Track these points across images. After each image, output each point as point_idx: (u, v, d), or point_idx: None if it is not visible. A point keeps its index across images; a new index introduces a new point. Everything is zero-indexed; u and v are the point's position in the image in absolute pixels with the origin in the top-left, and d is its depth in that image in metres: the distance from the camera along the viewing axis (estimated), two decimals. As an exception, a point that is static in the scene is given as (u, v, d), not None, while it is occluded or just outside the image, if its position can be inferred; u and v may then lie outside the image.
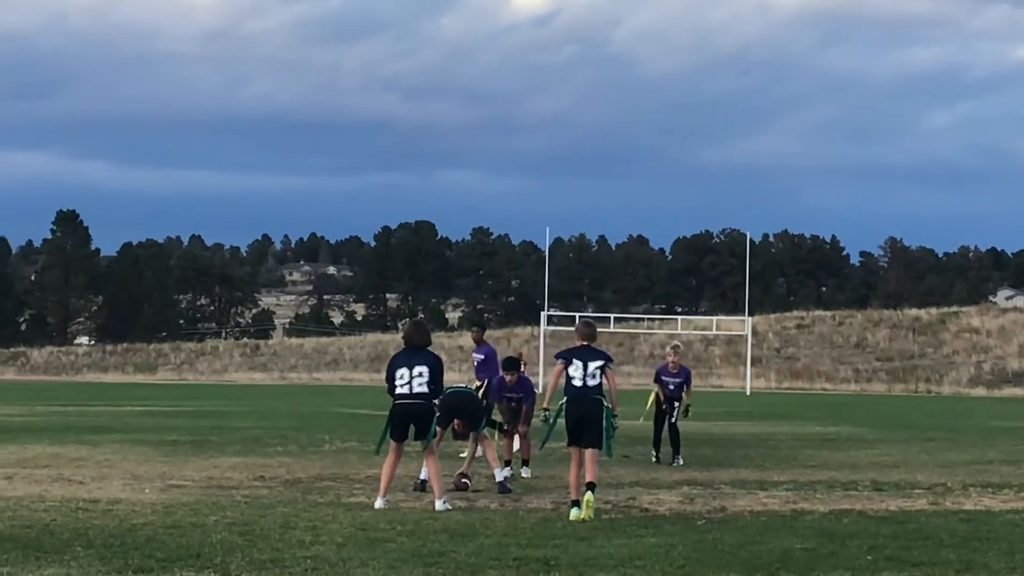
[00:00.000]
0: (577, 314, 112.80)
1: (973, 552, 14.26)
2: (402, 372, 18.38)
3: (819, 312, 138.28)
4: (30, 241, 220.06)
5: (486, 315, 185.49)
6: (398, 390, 18.39)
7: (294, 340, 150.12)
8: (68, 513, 16.71)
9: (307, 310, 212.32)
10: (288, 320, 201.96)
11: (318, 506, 17.98)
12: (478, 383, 26.13)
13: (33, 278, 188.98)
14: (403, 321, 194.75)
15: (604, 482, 21.62)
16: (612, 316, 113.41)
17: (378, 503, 18.12)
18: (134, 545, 14.11)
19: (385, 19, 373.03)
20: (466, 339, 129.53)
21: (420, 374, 18.34)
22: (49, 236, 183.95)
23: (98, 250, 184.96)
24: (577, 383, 17.81)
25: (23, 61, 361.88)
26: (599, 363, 17.92)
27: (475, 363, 27.36)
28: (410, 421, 18.39)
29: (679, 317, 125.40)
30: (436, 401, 18.69)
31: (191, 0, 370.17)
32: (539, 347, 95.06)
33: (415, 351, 18.75)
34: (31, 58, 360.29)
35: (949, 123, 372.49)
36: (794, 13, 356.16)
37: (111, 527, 15.48)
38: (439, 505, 17.93)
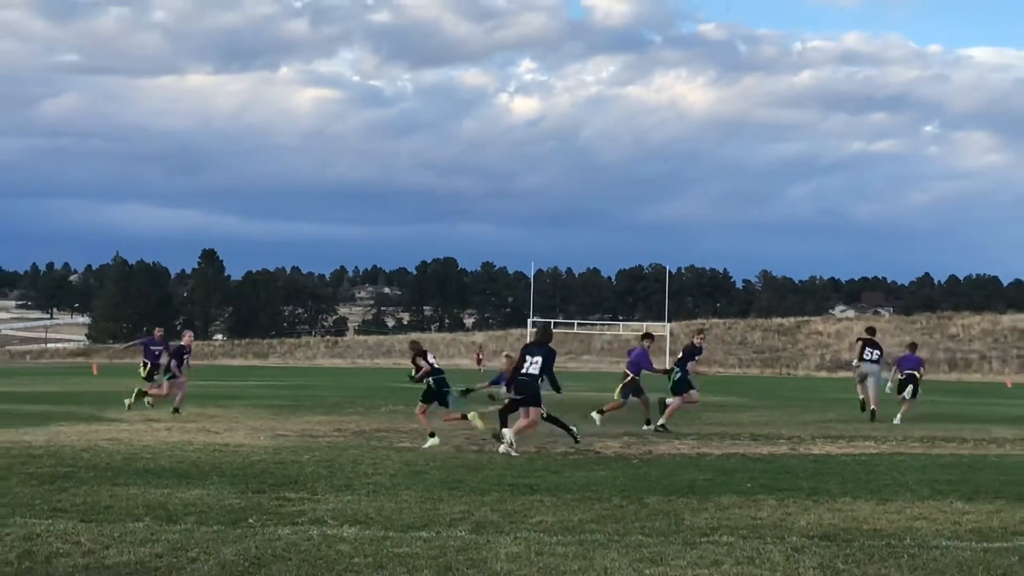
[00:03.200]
0: (552, 320, 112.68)
1: (819, 482, 14.23)
2: (527, 358, 17.99)
3: (715, 320, 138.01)
4: (183, 270, 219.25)
5: (490, 321, 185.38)
6: (525, 370, 17.94)
7: (361, 337, 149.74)
8: (208, 453, 16.66)
9: (370, 317, 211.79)
10: (357, 323, 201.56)
11: (377, 449, 17.92)
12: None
13: (185, 295, 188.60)
14: (435, 324, 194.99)
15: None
16: (576, 322, 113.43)
17: (504, 443, 17.64)
18: (252, 475, 14.06)
19: (427, 121, 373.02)
20: (477, 337, 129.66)
21: (535, 362, 17.93)
22: (196, 266, 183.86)
23: (229, 276, 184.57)
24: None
25: (181, 150, 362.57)
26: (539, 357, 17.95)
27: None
28: (522, 390, 17.91)
29: (620, 323, 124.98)
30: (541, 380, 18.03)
31: (295, 109, 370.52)
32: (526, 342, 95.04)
33: (537, 345, 18.29)
34: (186, 148, 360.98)
35: (805, 193, 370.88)
36: (703, 119, 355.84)
37: (237, 463, 15.43)
38: (503, 447, 17.55)
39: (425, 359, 19.96)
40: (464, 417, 20.21)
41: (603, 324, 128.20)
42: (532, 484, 13.54)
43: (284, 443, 18.65)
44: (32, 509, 11.10)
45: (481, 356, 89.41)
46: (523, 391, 18.04)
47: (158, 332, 28.18)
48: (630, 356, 24.10)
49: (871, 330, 28.03)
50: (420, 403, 19.85)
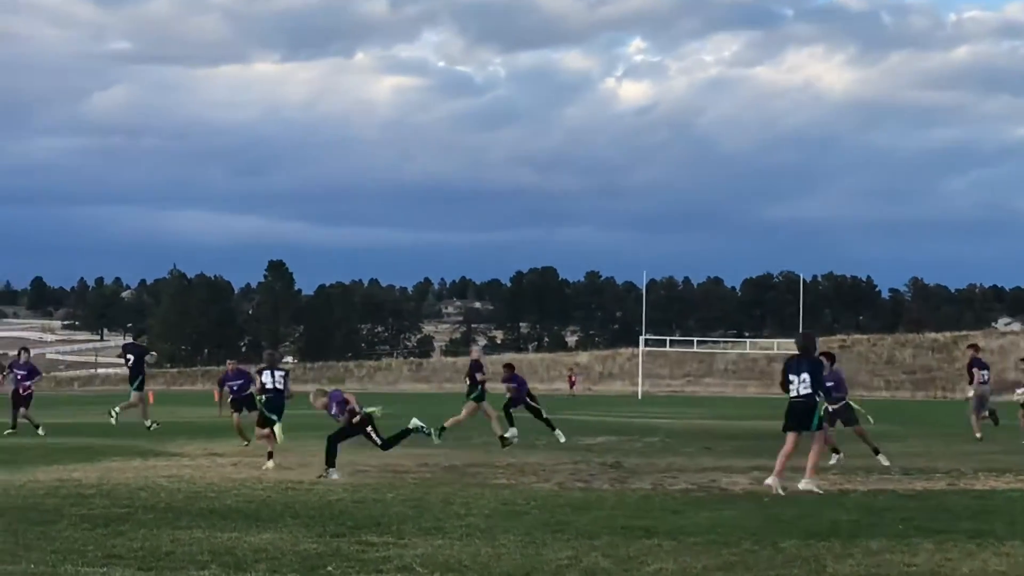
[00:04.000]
0: (668, 338, 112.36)
1: (982, 523, 14.01)
2: (792, 377, 17.61)
3: (857, 335, 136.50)
4: (248, 284, 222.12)
5: (596, 339, 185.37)
6: (791, 392, 17.66)
7: (449, 358, 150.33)
8: (279, 491, 16.85)
9: (458, 335, 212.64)
10: (444, 343, 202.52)
11: (470, 486, 17.99)
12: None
13: (251, 312, 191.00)
14: (533, 343, 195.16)
15: (690, 468, 21.54)
16: (695, 339, 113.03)
17: (771, 480, 17.37)
18: (330, 516, 14.19)
19: (522, 111, 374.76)
20: (581, 358, 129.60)
21: (803, 380, 17.49)
22: (263, 280, 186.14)
23: (300, 290, 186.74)
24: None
25: (243, 147, 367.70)
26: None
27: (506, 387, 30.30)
28: (797, 416, 17.54)
29: (747, 340, 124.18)
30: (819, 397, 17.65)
31: (372, 99, 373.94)
32: (638, 363, 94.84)
33: (801, 359, 17.81)
34: (250, 145, 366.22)
35: (962, 187, 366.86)
36: (841, 103, 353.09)
37: (312, 502, 15.59)
38: (803, 484, 17.41)
39: (261, 376, 22.80)
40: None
41: (727, 341, 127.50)
42: (648, 526, 13.50)
43: (365, 480, 18.80)
44: (84, 556, 11.31)
45: (574, 378, 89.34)
46: (797, 416, 17.62)
47: (231, 365, 28.60)
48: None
49: (976, 347, 27.95)
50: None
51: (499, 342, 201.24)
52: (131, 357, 29.29)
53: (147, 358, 29.95)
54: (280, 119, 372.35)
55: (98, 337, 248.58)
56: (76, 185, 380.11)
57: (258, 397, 22.94)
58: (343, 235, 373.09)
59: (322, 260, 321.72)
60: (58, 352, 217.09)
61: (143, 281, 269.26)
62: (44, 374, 32.54)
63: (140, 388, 29.18)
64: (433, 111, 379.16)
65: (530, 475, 19.92)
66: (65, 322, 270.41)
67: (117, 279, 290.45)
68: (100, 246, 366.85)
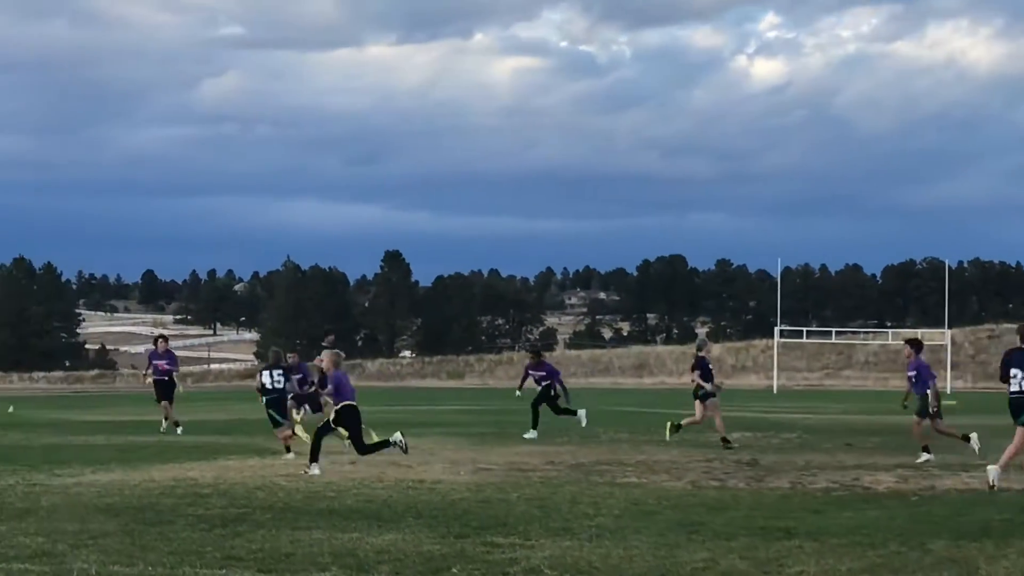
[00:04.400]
0: (804, 328, 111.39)
1: None
2: (1015, 372, 17.50)
3: (1007, 324, 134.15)
4: (364, 275, 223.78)
5: (728, 331, 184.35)
6: (1011, 387, 17.48)
7: (573, 352, 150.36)
8: (401, 491, 16.98)
9: (583, 328, 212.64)
10: (568, 336, 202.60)
11: (598, 485, 17.99)
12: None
13: (367, 304, 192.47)
14: (661, 335, 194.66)
15: (830, 465, 21.36)
16: (833, 330, 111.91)
17: (991, 470, 17.23)
18: (453, 516, 14.28)
19: (648, 92, 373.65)
20: (713, 350, 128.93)
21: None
22: (379, 271, 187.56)
23: (417, 282, 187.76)
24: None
25: (357, 134, 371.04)
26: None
27: (534, 377, 30.58)
28: (1019, 411, 17.32)
29: (889, 330, 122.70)
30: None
31: (492, 82, 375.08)
32: (773, 356, 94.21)
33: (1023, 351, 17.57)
34: (365, 132, 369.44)
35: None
36: (988, 79, 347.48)
37: (435, 502, 15.69)
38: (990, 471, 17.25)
39: (261, 375, 23.94)
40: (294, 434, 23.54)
41: (867, 332, 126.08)
42: (788, 527, 13.41)
43: (488, 478, 18.87)
44: (202, 557, 11.50)
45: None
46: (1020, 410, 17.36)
47: (291, 358, 28.86)
48: None
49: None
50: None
51: (625, 334, 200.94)
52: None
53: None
54: (395, 104, 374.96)
55: (211, 332, 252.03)
56: (187, 175, 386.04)
57: (260, 399, 24.14)
58: (462, 224, 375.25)
59: (440, 250, 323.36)
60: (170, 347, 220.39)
61: (256, 273, 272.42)
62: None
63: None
64: (555, 94, 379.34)
65: (661, 473, 19.87)
66: (177, 316, 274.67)
67: (230, 271, 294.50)
68: (212, 238, 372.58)
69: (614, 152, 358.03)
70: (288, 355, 28.53)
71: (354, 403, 20.52)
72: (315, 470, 19.63)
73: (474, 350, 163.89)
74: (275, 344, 30.40)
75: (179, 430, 30.60)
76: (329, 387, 20.81)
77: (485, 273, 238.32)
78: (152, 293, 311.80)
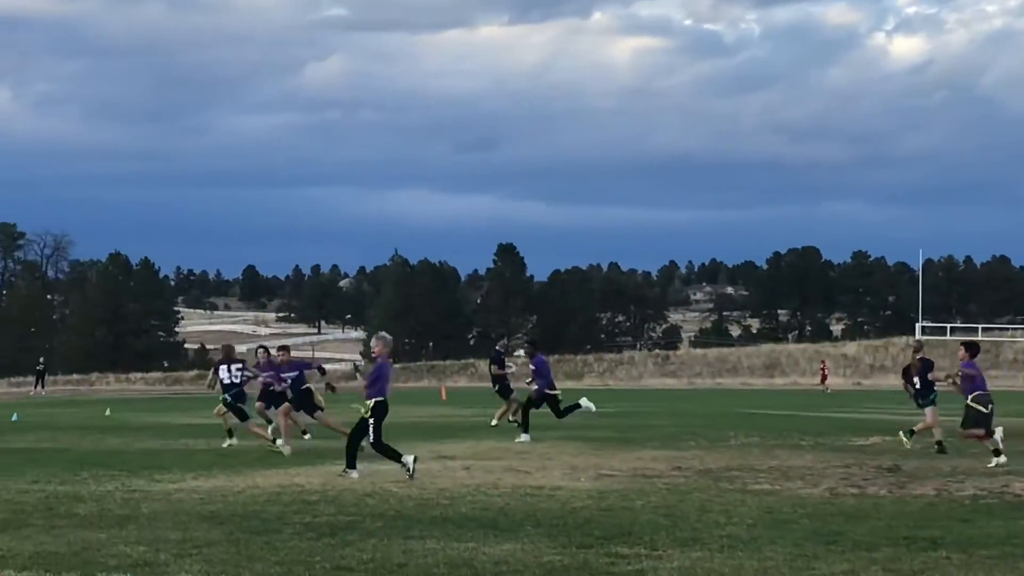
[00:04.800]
0: (948, 325, 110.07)
1: None
2: None
3: None
4: (475, 270, 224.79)
5: (865, 327, 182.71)
6: None
7: (698, 350, 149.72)
8: (518, 498, 17.03)
9: (708, 324, 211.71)
10: (693, 333, 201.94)
11: (728, 492, 17.92)
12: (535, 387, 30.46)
13: (479, 301, 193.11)
14: (793, 332, 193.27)
15: (977, 471, 21.12)
16: (979, 326, 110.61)
17: None
18: (575, 525, 14.30)
19: (778, 72, 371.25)
20: (849, 348, 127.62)
21: None
22: (491, 266, 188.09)
23: (532, 276, 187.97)
24: None
25: (468, 119, 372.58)
26: None
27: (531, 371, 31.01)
28: None
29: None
30: None
31: (611, 63, 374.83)
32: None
33: None
34: (477, 117, 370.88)
35: None
36: None
37: (555, 510, 15.72)
38: None
39: (217, 371, 26.49)
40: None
41: (1016, 329, 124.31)
42: (934, 537, 13.28)
43: (611, 485, 18.87)
44: (311, 568, 11.61)
45: (826, 371, 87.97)
46: None
47: (282, 356, 29.10)
48: None
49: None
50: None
51: (754, 332, 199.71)
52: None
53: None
54: (508, 88, 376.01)
55: (315, 330, 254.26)
56: (289, 164, 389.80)
57: (221, 396, 26.86)
58: (579, 215, 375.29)
59: (556, 243, 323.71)
60: (273, 348, 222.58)
61: (362, 268, 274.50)
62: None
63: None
64: (678, 75, 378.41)
65: (796, 480, 19.75)
66: (280, 314, 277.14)
67: (335, 267, 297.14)
68: (316, 231, 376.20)
69: (741, 136, 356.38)
70: (279, 352, 29.20)
71: (386, 400, 21.03)
72: (353, 475, 20.20)
73: (593, 349, 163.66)
74: (227, 341, 31.73)
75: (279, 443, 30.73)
76: (367, 378, 21.43)
77: (604, 267, 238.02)
78: (253, 290, 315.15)
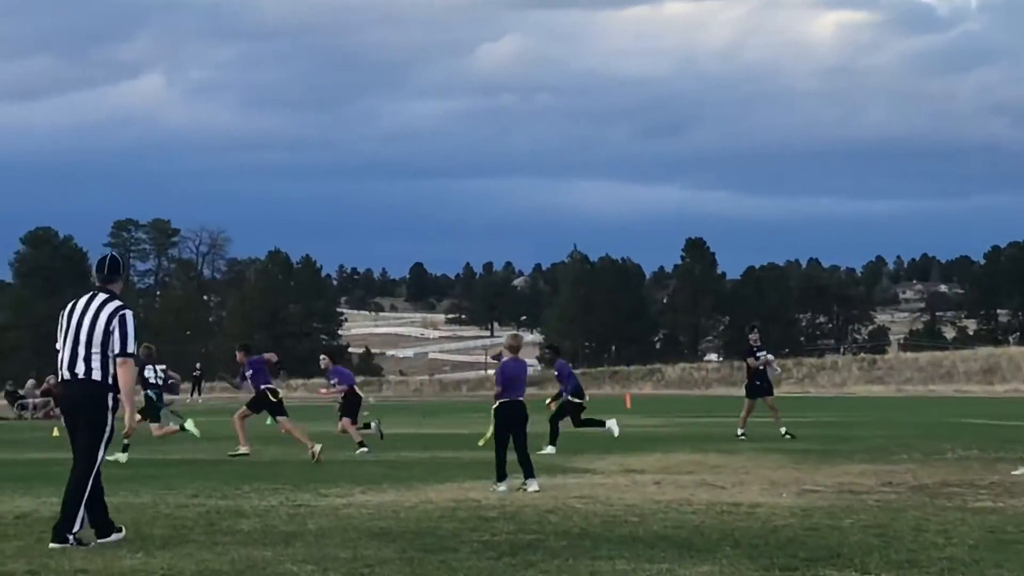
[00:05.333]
0: None
1: None
2: None
3: None
4: (661, 267, 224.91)
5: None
6: None
7: (909, 354, 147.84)
8: (714, 515, 16.97)
9: (919, 326, 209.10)
10: (902, 336, 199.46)
11: (947, 510, 17.67)
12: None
13: (665, 301, 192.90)
14: (1014, 334, 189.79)
15: None
16: None
17: None
18: (777, 545, 14.21)
19: (999, 48, 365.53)
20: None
21: None
22: (679, 262, 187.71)
23: (723, 274, 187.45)
24: None
25: (654, 103, 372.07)
26: None
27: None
28: None
29: None
30: None
31: (810, 40, 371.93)
32: None
33: None
34: (662, 100, 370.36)
35: None
36: None
37: (754, 528, 15.64)
38: None
39: (144, 371, 29.36)
40: (182, 428, 30.17)
41: None
42: None
43: (815, 502, 18.72)
44: (492, 588, 11.69)
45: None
46: None
47: (240, 356, 30.67)
48: None
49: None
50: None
51: (971, 333, 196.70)
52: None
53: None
54: (698, 68, 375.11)
55: (487, 333, 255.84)
56: (460, 154, 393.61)
57: (146, 392, 30.16)
58: (775, 206, 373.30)
59: (750, 237, 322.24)
60: (442, 351, 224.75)
61: (538, 266, 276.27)
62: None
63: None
64: (885, 52, 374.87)
65: (1021, 496, 19.42)
66: (449, 315, 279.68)
67: (508, 264, 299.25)
68: (488, 225, 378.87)
69: (956, 119, 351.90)
70: (237, 352, 31.10)
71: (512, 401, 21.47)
72: (502, 488, 20.61)
73: (791, 353, 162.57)
74: (146, 342, 33.47)
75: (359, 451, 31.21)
76: (496, 378, 21.89)
77: (803, 263, 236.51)
78: (421, 289, 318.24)
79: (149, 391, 31.00)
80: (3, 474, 24.71)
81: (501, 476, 20.90)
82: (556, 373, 32.17)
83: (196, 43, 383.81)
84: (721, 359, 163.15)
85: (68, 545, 14.09)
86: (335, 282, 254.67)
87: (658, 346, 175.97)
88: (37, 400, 65.01)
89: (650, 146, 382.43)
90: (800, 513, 17.18)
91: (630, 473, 23.96)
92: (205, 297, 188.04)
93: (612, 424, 32.28)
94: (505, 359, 21.47)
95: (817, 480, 22.31)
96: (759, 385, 35.60)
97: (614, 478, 22.81)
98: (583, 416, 31.84)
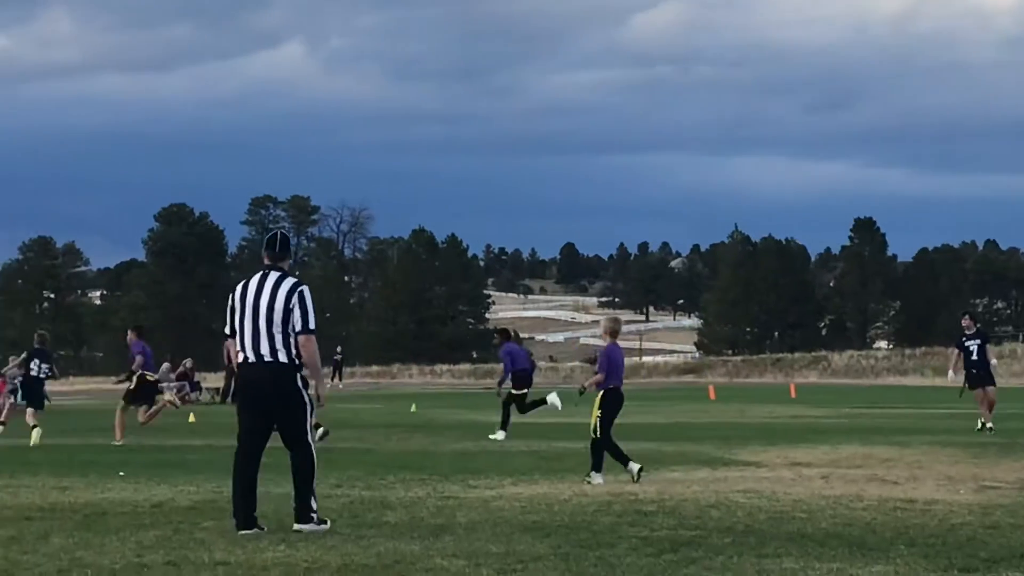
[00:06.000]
0: None
1: None
2: None
3: None
4: (828, 248, 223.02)
5: None
6: None
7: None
8: (886, 512, 16.83)
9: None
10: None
11: None
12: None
13: (831, 284, 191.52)
14: None
15: None
16: None
17: None
18: (955, 544, 14.06)
19: None
20: None
21: None
22: (847, 243, 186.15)
23: (895, 256, 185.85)
24: None
25: (821, 74, 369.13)
26: None
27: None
28: None
29: None
30: None
31: (991, 6, 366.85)
32: None
33: None
34: (829, 71, 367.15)
35: None
36: None
37: (930, 527, 15.48)
38: None
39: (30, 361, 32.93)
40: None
41: None
42: None
43: (995, 499, 18.50)
44: (653, 586, 11.70)
45: None
46: None
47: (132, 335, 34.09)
48: None
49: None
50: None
51: None
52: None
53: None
54: (869, 37, 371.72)
55: (642, 317, 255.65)
56: (613, 128, 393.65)
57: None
58: (951, 184, 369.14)
59: (923, 217, 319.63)
60: (594, 336, 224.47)
61: (696, 247, 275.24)
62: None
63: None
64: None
65: None
66: (602, 299, 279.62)
67: (664, 244, 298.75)
68: (644, 204, 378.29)
69: None
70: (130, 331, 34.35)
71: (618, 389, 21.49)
72: (598, 479, 20.81)
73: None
74: (40, 330, 36.91)
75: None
76: (599, 364, 21.64)
77: (980, 245, 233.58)
78: (572, 271, 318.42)
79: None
80: (138, 461, 25.13)
81: (624, 460, 21.17)
82: (502, 357, 33.59)
83: (337, 10, 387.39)
84: (892, 346, 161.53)
85: (313, 526, 14.85)
86: (482, 263, 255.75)
87: (824, 332, 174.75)
88: (172, 384, 65.71)
89: (816, 120, 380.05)
90: (979, 511, 16.98)
91: (796, 466, 23.84)
92: (346, 278, 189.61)
93: (552, 397, 33.38)
94: (608, 344, 21.55)
95: (997, 476, 22.04)
96: (975, 374, 35.45)
97: (779, 472, 22.71)
98: (526, 401, 33.28)
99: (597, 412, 21.31)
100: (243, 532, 14.68)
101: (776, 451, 27.18)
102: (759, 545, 13.98)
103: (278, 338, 14.75)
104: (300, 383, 14.96)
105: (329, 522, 15.15)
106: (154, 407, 33.56)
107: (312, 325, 14.87)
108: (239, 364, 15.12)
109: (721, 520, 16.01)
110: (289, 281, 14.91)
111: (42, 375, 33.20)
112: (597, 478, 20.74)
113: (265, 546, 13.80)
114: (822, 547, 13.88)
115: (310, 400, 15.07)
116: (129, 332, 33.48)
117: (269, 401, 14.90)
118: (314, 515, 14.93)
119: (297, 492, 15.06)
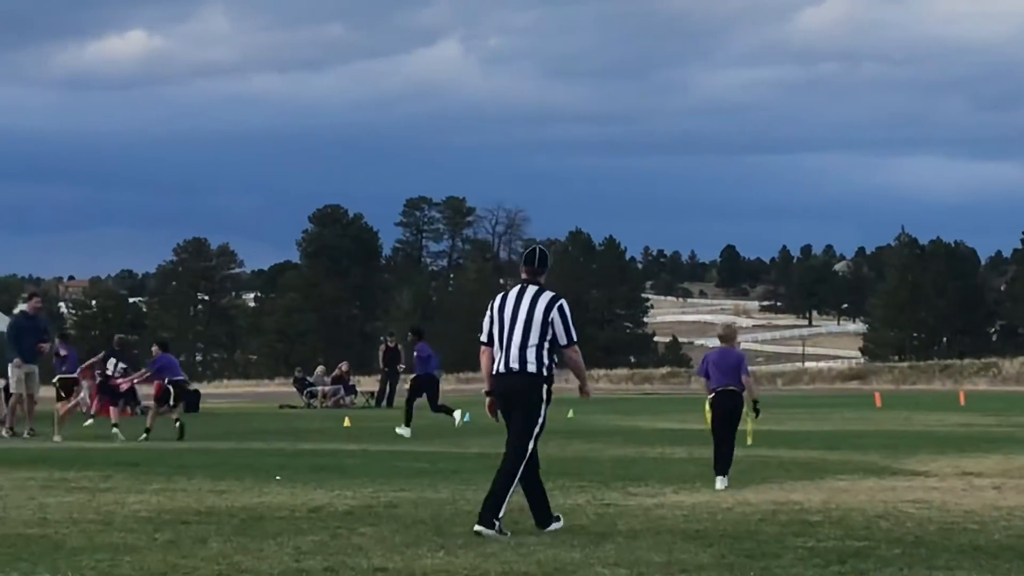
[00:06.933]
0: None
1: None
2: None
3: None
4: (999, 252, 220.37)
5: None
6: None
7: None
8: (1061, 526, 16.61)
9: None
10: None
11: None
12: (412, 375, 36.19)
13: (1003, 288, 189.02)
14: None
15: None
16: None
17: None
18: None
19: None
20: None
21: None
22: (1018, 247, 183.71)
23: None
24: None
25: (992, 72, 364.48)
26: None
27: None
28: None
29: None
30: None
31: None
32: None
33: None
34: (1000, 69, 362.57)
35: None
36: None
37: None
38: None
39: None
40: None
41: None
42: None
43: None
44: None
45: None
46: None
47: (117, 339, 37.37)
48: None
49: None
50: None
51: None
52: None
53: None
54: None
55: (805, 322, 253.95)
56: (777, 127, 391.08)
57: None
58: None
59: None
60: (756, 340, 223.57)
61: (862, 249, 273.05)
62: None
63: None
64: None
65: None
66: (764, 303, 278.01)
67: (828, 247, 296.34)
68: (807, 205, 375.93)
69: None
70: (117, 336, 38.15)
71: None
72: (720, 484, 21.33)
73: None
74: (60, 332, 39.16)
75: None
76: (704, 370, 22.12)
77: None
78: (733, 274, 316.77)
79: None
80: (294, 466, 25.35)
81: (723, 470, 21.70)
82: (416, 355, 35.75)
83: (495, 8, 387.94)
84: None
85: (494, 531, 15.11)
86: (640, 265, 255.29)
87: (994, 338, 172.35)
88: (327, 388, 66.23)
89: (987, 119, 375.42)
90: None
91: (966, 476, 23.58)
92: (501, 280, 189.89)
93: (457, 414, 36.43)
94: (732, 350, 21.96)
95: None
96: None
97: (949, 482, 22.48)
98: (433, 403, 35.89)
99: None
100: (549, 527, 15.75)
101: (946, 460, 26.89)
102: (930, 557, 13.86)
103: (530, 351, 15.48)
104: (545, 395, 15.62)
105: (509, 533, 15.29)
106: (71, 403, 35.77)
107: (575, 337, 15.80)
108: (494, 374, 15.74)
109: (890, 531, 15.89)
110: (547, 295, 15.65)
111: (117, 373, 35.03)
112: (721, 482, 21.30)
113: (424, 552, 13.91)
114: (995, 559, 13.74)
115: (545, 417, 15.78)
116: (154, 347, 35.03)
117: (513, 408, 15.65)
118: (497, 522, 15.22)
119: (491, 495, 15.49)
